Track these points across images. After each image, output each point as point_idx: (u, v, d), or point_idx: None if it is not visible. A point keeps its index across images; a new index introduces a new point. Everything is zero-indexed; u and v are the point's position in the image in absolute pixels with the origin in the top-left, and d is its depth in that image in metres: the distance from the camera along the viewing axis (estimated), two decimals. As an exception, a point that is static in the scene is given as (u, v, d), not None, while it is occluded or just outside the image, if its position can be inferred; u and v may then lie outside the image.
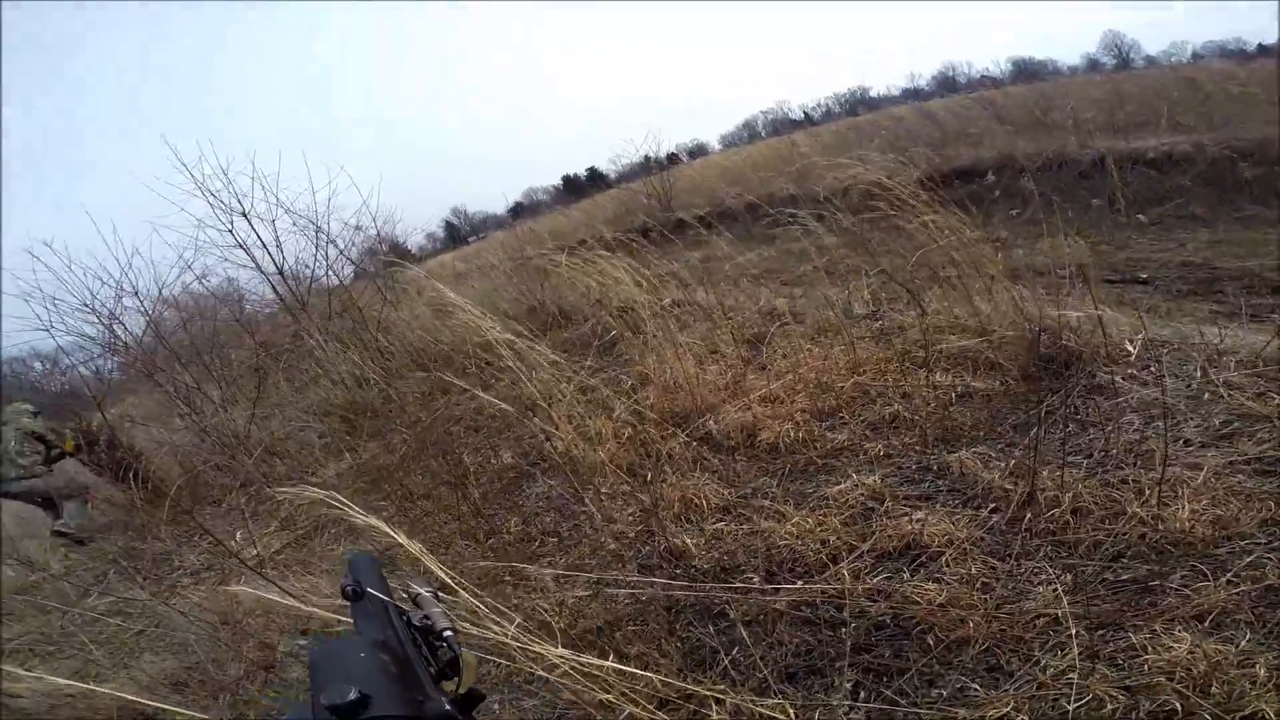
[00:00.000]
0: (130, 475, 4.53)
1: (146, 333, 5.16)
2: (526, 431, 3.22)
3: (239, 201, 5.20)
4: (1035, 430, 1.90)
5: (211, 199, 5.07)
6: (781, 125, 42.08)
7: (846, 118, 28.11)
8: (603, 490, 2.49)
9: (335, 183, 6.23)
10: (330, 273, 5.76)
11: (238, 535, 3.46)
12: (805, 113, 49.99)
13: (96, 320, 4.79)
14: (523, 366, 2.87)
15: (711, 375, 3.11)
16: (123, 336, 5.14)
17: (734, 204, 9.30)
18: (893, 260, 3.38)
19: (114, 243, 4.83)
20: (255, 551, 3.18)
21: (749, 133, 36.56)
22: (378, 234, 6.63)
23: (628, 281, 4.40)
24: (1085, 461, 1.90)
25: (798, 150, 11.21)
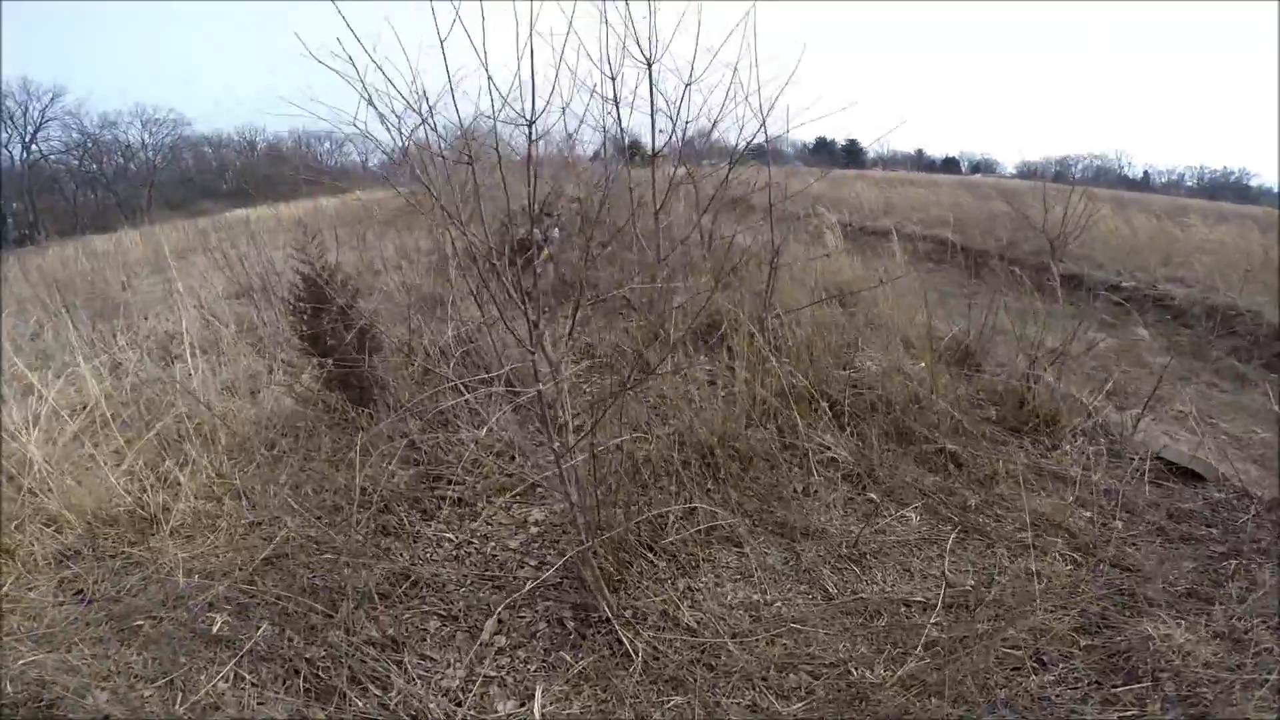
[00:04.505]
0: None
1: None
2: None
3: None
4: None
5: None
6: (1108, 178, 33.53)
7: (1200, 197, 21.81)
8: None
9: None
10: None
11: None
12: (1146, 173, 39.94)
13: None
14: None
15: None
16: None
17: (1180, 294, 6.45)
18: None
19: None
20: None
21: (1057, 169, 29.88)
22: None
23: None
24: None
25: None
